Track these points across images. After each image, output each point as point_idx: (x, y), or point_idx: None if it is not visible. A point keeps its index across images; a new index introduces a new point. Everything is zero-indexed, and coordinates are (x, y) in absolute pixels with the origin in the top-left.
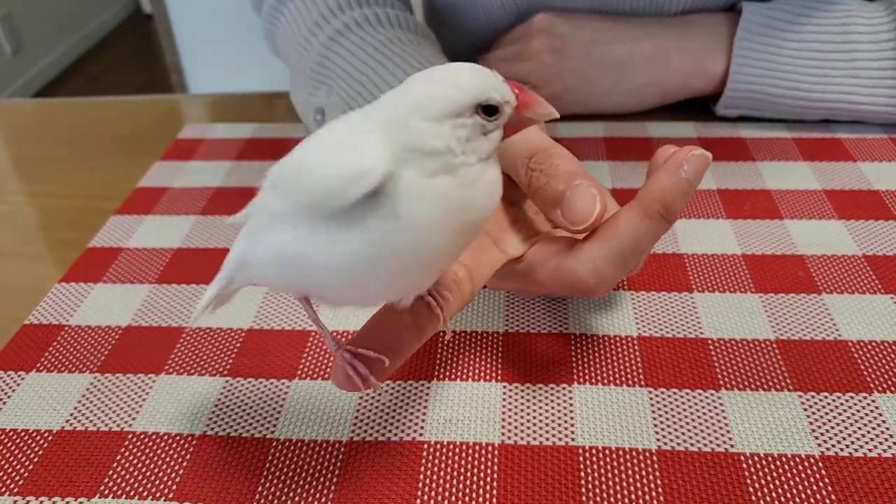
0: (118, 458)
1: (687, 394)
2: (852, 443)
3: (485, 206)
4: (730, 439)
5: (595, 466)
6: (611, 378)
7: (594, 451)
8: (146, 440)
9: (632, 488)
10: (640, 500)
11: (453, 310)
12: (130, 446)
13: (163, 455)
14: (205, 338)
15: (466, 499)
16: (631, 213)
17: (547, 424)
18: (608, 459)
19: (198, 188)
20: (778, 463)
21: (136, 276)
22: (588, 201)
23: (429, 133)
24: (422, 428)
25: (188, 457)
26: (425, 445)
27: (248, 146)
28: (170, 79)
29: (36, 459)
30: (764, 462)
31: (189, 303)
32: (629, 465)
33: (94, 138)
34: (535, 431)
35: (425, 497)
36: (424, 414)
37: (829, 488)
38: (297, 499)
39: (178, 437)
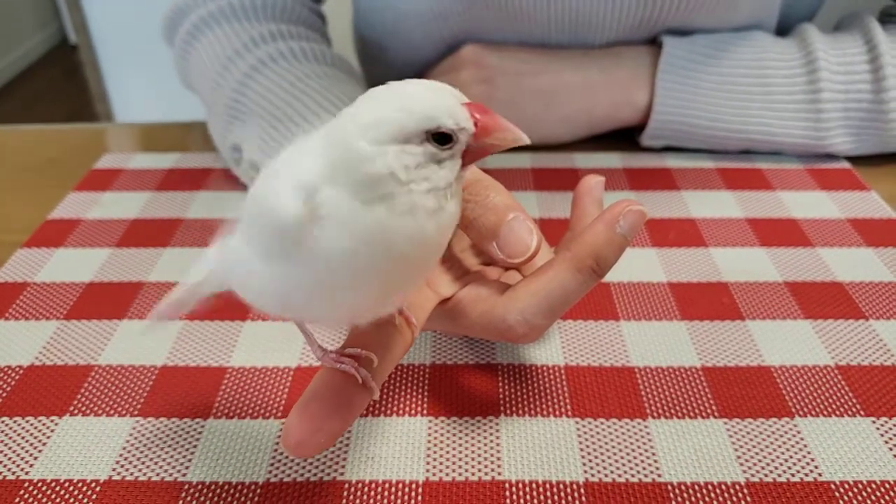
0: None
1: (614, 423)
2: (776, 468)
3: (430, 239)
4: (657, 469)
5: (522, 501)
6: (538, 409)
7: (521, 486)
8: (44, 488)
9: None
10: None
11: (395, 357)
12: (27, 496)
13: None
14: (115, 376)
15: None
16: (562, 266)
17: (473, 459)
18: (535, 493)
19: (114, 220)
20: (705, 491)
21: (42, 311)
22: (524, 234)
23: (371, 158)
24: (342, 466)
25: None
26: (346, 485)
27: (169, 176)
28: (95, 108)
29: None
30: (691, 491)
31: (100, 338)
32: (557, 498)
33: (4, 169)
34: (460, 466)
35: None
36: (346, 451)
37: None
38: None
39: (79, 484)
